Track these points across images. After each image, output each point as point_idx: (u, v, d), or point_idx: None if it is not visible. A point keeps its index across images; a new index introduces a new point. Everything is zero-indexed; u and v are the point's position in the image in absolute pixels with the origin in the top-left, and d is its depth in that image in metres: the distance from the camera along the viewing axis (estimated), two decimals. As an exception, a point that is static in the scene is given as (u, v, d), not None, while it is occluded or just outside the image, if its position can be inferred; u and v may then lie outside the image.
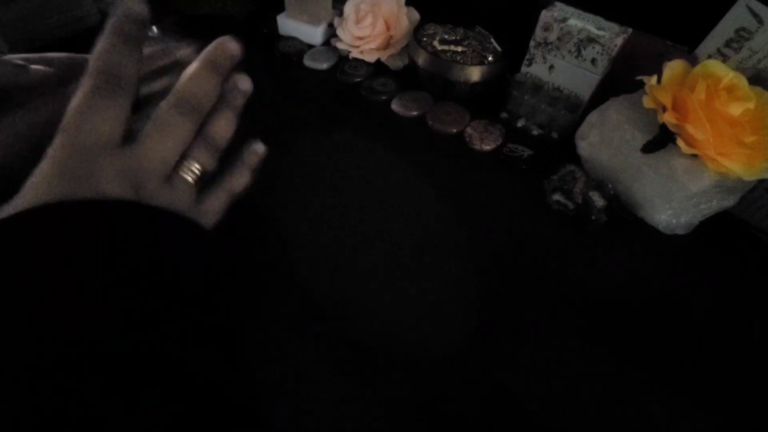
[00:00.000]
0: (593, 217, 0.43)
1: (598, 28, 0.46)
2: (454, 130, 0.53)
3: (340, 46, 0.61)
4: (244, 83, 0.27)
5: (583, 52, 0.47)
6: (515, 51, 0.54)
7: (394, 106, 0.55)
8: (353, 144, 0.51)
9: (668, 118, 0.39)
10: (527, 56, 0.52)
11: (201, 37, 0.27)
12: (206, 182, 0.26)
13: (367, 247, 0.41)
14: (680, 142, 0.39)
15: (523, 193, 0.47)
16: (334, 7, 0.62)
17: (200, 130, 0.25)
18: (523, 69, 0.53)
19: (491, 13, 0.57)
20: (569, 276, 0.40)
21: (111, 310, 0.19)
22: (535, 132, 0.54)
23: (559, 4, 0.49)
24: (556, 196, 0.45)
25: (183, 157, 0.24)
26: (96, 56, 0.22)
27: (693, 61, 0.42)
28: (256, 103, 0.28)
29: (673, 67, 0.41)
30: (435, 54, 0.54)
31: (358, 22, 0.59)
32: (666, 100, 0.40)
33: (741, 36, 0.41)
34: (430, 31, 0.57)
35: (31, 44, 0.54)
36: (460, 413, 0.32)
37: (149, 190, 0.22)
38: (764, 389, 0.35)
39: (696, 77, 0.40)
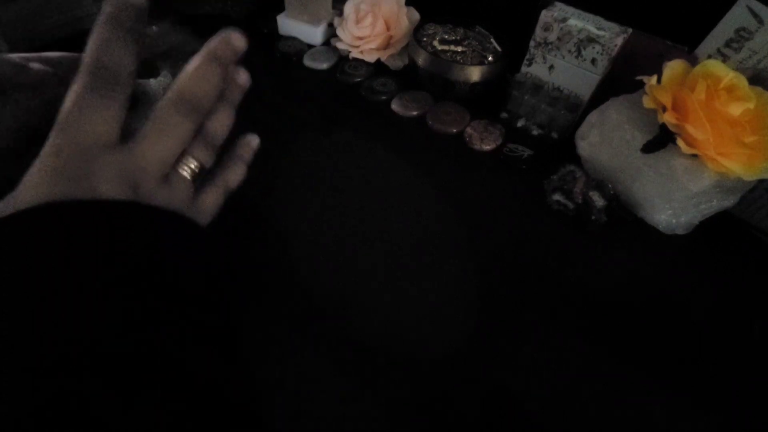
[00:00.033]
0: (593, 217, 0.43)
1: (598, 28, 0.46)
2: (454, 130, 0.53)
3: (340, 46, 0.61)
4: (242, 77, 0.26)
5: (583, 52, 0.47)
6: (515, 51, 0.54)
7: (394, 106, 0.55)
8: (353, 144, 0.51)
9: (668, 118, 0.39)
10: (527, 56, 0.52)
11: (201, 37, 0.26)
12: (202, 178, 0.26)
13: (367, 247, 0.41)
14: (680, 142, 0.39)
15: (523, 193, 0.47)
16: (334, 7, 0.62)
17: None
18: (523, 69, 0.53)
19: (491, 13, 0.57)
20: (569, 276, 0.40)
21: (111, 310, 0.19)
22: (535, 132, 0.54)
23: (559, 4, 0.49)
24: (556, 196, 0.45)
25: (181, 155, 0.24)
26: (91, 51, 0.21)
27: (693, 61, 0.42)
28: (256, 103, 0.28)
29: (673, 67, 0.41)
30: (435, 54, 0.54)
31: (358, 22, 0.59)
32: (666, 100, 0.40)
33: (741, 36, 0.41)
34: (430, 31, 0.57)
35: (31, 44, 0.54)
36: (460, 413, 0.32)
37: (147, 190, 0.22)
38: (764, 389, 0.35)
39: (696, 77, 0.40)
